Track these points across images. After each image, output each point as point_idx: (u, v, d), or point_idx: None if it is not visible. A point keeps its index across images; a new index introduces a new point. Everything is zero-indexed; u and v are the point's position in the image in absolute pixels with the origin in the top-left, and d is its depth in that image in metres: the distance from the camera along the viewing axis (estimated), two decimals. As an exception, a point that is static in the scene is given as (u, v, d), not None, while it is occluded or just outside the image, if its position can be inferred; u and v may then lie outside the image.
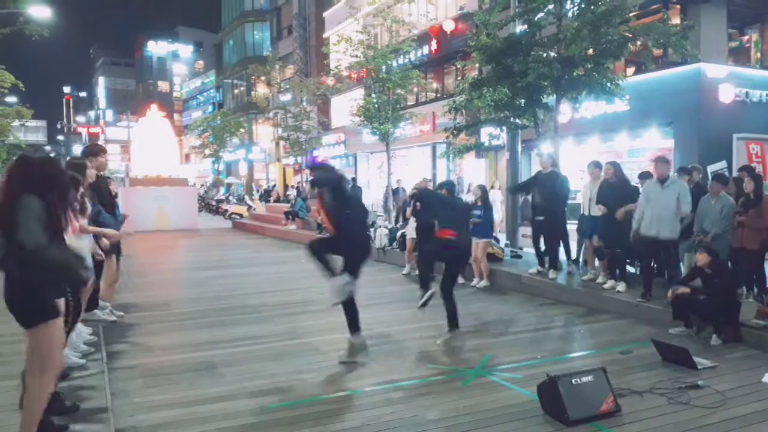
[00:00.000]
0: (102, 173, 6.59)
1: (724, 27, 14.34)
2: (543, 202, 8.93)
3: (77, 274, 3.58)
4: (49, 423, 3.64)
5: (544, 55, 10.33)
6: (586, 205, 8.73)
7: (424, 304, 6.14)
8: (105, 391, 4.54)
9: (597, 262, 8.62)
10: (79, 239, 5.17)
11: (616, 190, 7.90)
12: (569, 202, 9.59)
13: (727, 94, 13.73)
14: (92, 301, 6.32)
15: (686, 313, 6.28)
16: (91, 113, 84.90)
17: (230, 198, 33.40)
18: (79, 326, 5.52)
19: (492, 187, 14.97)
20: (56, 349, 3.51)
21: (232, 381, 5.00)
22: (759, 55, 15.23)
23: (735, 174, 8.65)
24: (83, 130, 68.28)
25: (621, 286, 7.81)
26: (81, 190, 5.38)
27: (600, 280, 8.32)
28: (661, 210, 7.11)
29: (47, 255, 3.24)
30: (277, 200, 29.56)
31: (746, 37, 15.43)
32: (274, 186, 35.73)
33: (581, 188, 9.62)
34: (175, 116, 63.73)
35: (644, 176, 8.62)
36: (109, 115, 74.75)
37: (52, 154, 4.19)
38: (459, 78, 19.06)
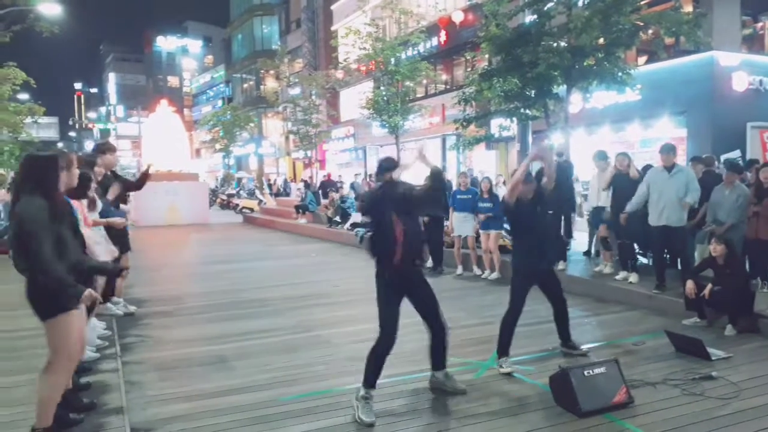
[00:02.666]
0: (107, 173, 6.61)
1: (737, 14, 14.16)
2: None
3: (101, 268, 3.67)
4: (64, 416, 3.68)
5: (554, 45, 10.26)
6: (594, 196, 8.66)
7: None
8: (119, 384, 4.59)
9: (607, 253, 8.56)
10: (93, 233, 5.23)
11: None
12: (584, 193, 9.49)
13: (740, 83, 13.58)
14: (105, 296, 6.38)
15: (700, 304, 6.23)
16: (102, 109, 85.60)
17: (241, 192, 33.52)
18: (93, 320, 5.57)
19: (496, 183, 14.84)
20: (71, 342, 3.48)
21: (243, 374, 5.03)
22: (773, 42, 15.04)
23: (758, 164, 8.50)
24: (94, 126, 68.81)
25: (633, 277, 7.76)
26: (93, 185, 5.43)
27: (608, 270, 8.27)
28: (670, 198, 7.02)
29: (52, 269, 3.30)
30: (278, 193, 29.79)
31: (760, 24, 15.23)
32: (275, 181, 35.94)
33: (590, 179, 9.55)
34: (185, 111, 64.06)
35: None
36: (120, 110, 75.25)
37: (64, 150, 4.20)
38: (468, 69, 18.97)
